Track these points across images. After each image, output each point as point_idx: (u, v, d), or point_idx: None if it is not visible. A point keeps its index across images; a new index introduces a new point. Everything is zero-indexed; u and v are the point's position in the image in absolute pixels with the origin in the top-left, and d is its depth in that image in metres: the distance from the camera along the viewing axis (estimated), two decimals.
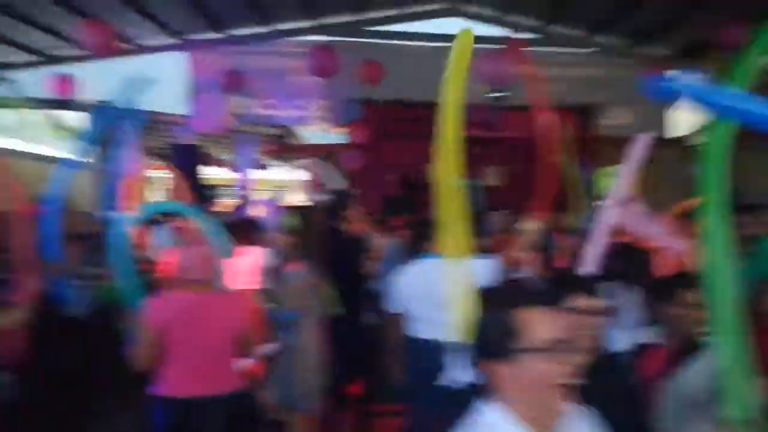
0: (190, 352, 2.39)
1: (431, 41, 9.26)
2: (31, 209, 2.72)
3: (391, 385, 4.59)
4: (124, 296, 2.86)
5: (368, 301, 4.27)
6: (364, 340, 3.91)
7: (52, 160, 8.75)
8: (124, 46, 8.34)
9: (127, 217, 4.01)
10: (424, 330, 2.84)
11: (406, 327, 2.95)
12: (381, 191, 7.19)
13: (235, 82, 8.03)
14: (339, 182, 7.07)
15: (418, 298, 2.88)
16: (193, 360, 2.40)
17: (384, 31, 9.53)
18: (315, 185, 9.62)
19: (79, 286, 3.39)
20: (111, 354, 3.62)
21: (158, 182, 9.35)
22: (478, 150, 7.75)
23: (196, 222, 2.91)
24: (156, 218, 4.04)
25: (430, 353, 2.53)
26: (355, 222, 4.75)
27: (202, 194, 6.81)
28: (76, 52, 8.27)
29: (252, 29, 9.06)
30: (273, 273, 3.30)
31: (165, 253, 2.75)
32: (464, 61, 1.65)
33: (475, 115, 7.27)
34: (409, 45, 9.42)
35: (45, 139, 9.67)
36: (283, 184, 13.79)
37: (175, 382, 2.40)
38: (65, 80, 7.60)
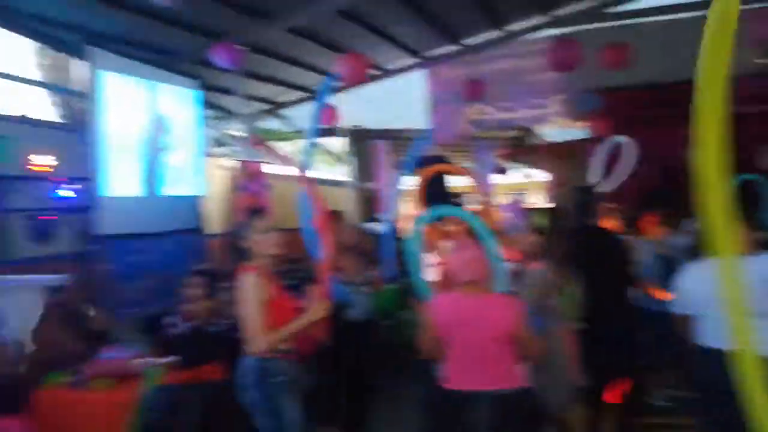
0: (466, 349, 2.53)
1: (683, 12, 8.26)
2: (324, 225, 3.07)
3: (653, 396, 4.20)
4: (418, 294, 3.06)
5: (629, 306, 3.99)
6: (622, 346, 3.68)
7: (324, 182, 10.16)
8: (374, 72, 9.24)
9: (396, 228, 4.31)
10: (709, 338, 2.63)
11: (695, 332, 2.75)
12: (632, 185, 6.63)
13: (474, 91, 8.24)
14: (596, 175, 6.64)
15: (702, 303, 2.69)
16: (469, 357, 2.53)
17: (627, 11, 8.81)
18: (558, 184, 9.30)
19: (357, 292, 3.88)
20: (384, 352, 4.05)
21: (408, 194, 10.11)
22: (754, 128, 6.62)
23: (470, 224, 2.97)
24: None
25: (716, 363, 2.26)
26: (606, 220, 4.47)
27: (450, 203, 7.14)
28: (334, 84, 9.42)
29: (486, 35, 9.22)
30: (517, 274, 3.30)
31: (445, 256, 2.90)
32: (727, 29, 1.38)
33: (747, 87, 6.22)
34: (657, 20, 8.51)
35: (316, 164, 11.24)
36: (523, 186, 13.64)
37: (454, 376, 2.57)
38: (328, 110, 8.68)
